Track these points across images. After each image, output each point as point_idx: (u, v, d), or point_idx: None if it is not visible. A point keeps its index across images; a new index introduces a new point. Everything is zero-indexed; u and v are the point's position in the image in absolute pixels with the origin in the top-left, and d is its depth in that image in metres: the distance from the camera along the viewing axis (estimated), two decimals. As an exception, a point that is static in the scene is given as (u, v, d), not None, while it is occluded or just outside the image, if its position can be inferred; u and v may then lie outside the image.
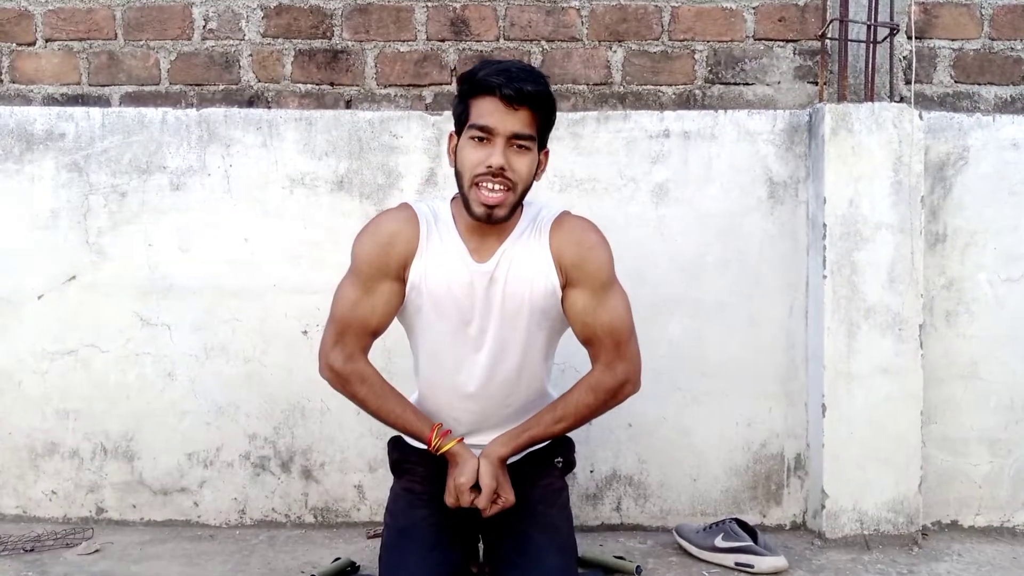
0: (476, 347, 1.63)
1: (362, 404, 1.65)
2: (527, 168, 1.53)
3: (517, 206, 1.57)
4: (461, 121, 1.55)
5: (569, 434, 1.81)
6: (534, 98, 1.49)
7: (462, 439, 1.62)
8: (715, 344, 2.18)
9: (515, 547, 1.59)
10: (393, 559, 1.59)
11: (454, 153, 1.57)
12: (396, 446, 1.79)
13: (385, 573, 1.59)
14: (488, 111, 1.49)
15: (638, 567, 1.84)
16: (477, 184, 1.51)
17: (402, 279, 1.61)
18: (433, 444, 1.60)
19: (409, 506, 1.67)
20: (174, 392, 2.20)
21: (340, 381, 1.65)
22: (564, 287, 1.61)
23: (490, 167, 1.48)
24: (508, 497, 1.59)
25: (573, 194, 2.16)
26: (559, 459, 1.76)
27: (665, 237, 2.17)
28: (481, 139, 1.50)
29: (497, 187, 1.50)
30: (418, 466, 1.73)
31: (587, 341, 1.64)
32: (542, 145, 1.58)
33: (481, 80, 1.49)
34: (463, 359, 1.65)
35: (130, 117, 2.21)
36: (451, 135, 1.60)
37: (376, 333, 1.65)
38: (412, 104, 2.28)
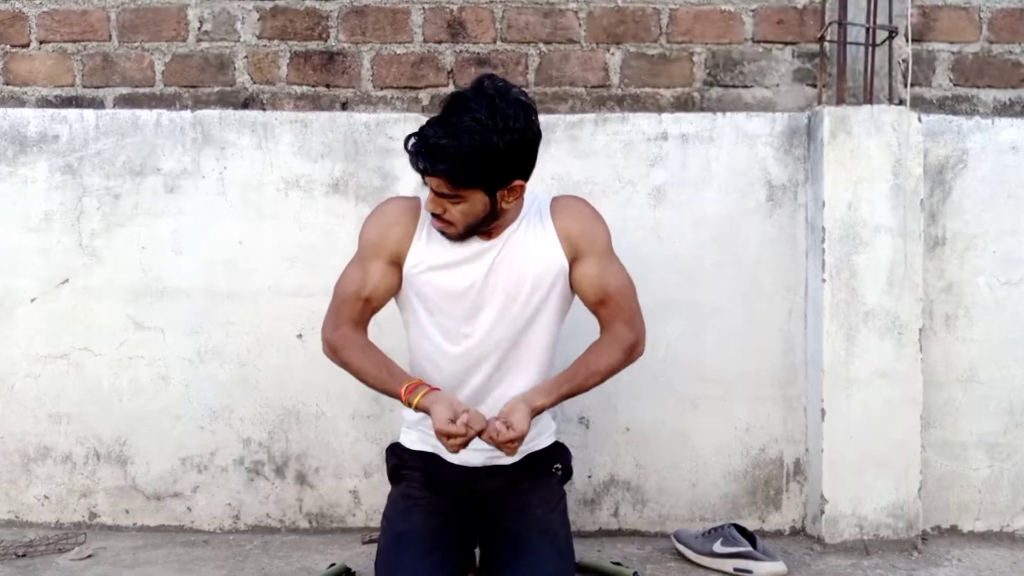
0: (479, 327, 1.65)
1: (347, 368, 1.65)
2: (463, 214, 1.58)
3: (476, 227, 1.60)
4: None
5: (565, 442, 1.82)
6: (439, 171, 1.53)
7: (435, 389, 1.58)
8: (713, 348, 2.17)
9: (512, 551, 1.58)
10: (389, 564, 1.58)
11: None
12: (393, 452, 1.78)
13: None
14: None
15: (635, 573, 1.83)
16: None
17: (398, 264, 1.67)
18: (404, 400, 1.58)
19: (406, 511, 1.66)
20: (168, 396, 2.19)
21: (331, 349, 1.67)
22: (572, 262, 1.67)
23: (433, 212, 1.59)
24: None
25: (570, 197, 2.15)
26: (558, 466, 1.76)
27: (663, 240, 2.16)
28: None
29: (439, 223, 1.61)
30: (416, 471, 1.72)
31: (601, 303, 1.69)
32: (498, 185, 1.56)
33: (412, 137, 1.55)
34: (464, 338, 1.65)
35: (124, 119, 2.19)
36: None
37: (368, 303, 1.68)
38: (408, 106, 2.27)
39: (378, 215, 1.71)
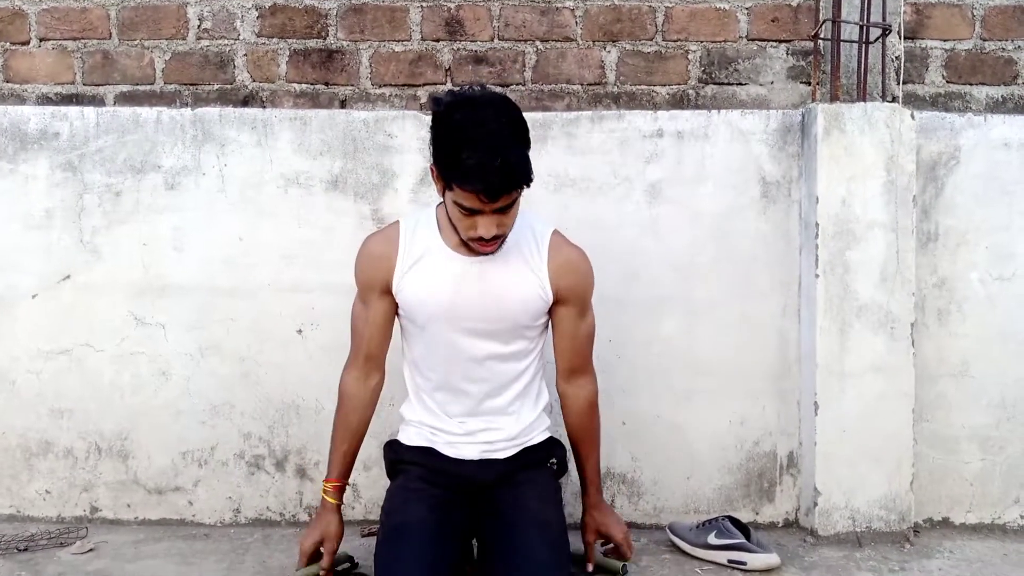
0: (468, 343, 1.69)
1: None
2: (515, 214, 1.61)
3: None
4: (443, 176, 1.56)
5: (560, 437, 1.85)
6: (512, 188, 1.53)
7: (336, 505, 1.76)
8: (708, 343, 2.19)
9: (507, 543, 1.60)
10: (388, 556, 1.60)
11: (440, 189, 1.61)
12: (391, 448, 1.82)
13: (380, 570, 1.60)
14: (470, 200, 1.53)
15: (624, 566, 1.84)
16: (472, 240, 1.60)
17: (390, 292, 1.71)
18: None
19: (404, 504, 1.68)
20: (168, 391, 2.20)
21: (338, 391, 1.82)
22: (554, 304, 1.72)
23: (482, 238, 1.58)
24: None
25: (567, 194, 2.17)
26: (553, 460, 1.80)
27: (658, 236, 2.18)
28: (468, 213, 1.56)
29: (489, 246, 1.61)
30: (413, 466, 1.75)
31: (573, 351, 1.77)
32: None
33: (461, 177, 1.50)
34: (454, 356, 1.70)
35: (125, 117, 2.21)
36: (432, 167, 1.60)
37: (371, 347, 1.76)
38: (407, 104, 2.29)
39: (362, 255, 1.75)
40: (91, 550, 2.02)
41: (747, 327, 2.19)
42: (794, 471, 2.20)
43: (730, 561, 1.91)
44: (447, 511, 1.66)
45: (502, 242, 1.63)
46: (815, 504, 2.09)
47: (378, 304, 1.73)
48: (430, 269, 1.68)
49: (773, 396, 2.19)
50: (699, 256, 2.19)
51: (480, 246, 1.60)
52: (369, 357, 1.77)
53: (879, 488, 2.08)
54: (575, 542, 1.82)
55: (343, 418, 1.78)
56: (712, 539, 1.95)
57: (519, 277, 1.68)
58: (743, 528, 1.97)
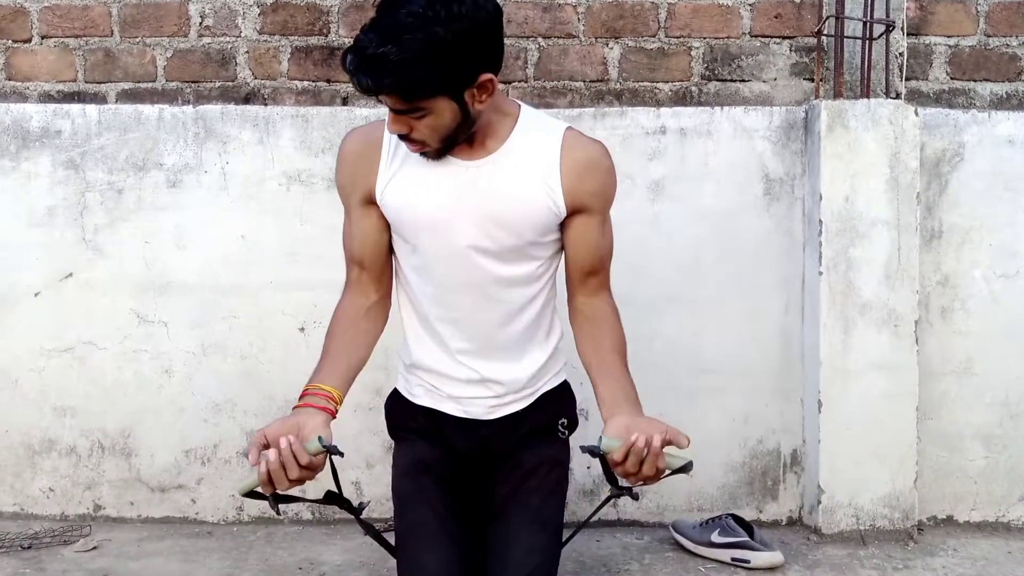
0: (465, 264, 1.47)
1: None
2: (432, 128, 1.36)
3: (454, 138, 1.39)
4: None
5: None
6: (386, 87, 1.29)
7: (320, 404, 1.45)
8: (711, 340, 2.19)
9: (500, 537, 1.54)
10: (413, 549, 1.53)
11: None
12: (395, 405, 1.65)
13: (403, 563, 1.54)
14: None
15: (690, 462, 1.56)
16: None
17: (375, 202, 1.50)
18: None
19: (417, 489, 1.57)
20: (171, 389, 2.21)
21: None
22: (571, 214, 1.47)
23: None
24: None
25: (570, 191, 2.16)
26: (563, 420, 1.64)
27: (661, 234, 2.18)
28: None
29: (411, 145, 1.40)
30: (419, 439, 1.60)
31: (591, 269, 1.53)
32: (463, 84, 1.33)
33: (343, 60, 1.32)
34: (449, 280, 1.49)
35: (126, 114, 2.21)
36: None
37: (363, 254, 1.54)
38: (409, 101, 2.28)
39: (340, 157, 1.55)
40: (94, 548, 2.02)
41: (750, 324, 2.18)
42: (798, 469, 2.20)
43: (734, 559, 1.91)
44: (459, 492, 1.57)
45: (434, 151, 1.40)
46: (819, 502, 2.08)
47: (362, 215, 1.51)
48: (419, 172, 1.44)
49: (776, 394, 2.19)
50: (702, 253, 2.18)
51: (405, 143, 1.41)
52: (362, 266, 1.54)
53: (883, 486, 2.07)
54: (579, 540, 1.82)
55: (328, 333, 1.53)
56: (715, 537, 1.95)
57: (526, 184, 1.44)
58: (746, 526, 1.97)
